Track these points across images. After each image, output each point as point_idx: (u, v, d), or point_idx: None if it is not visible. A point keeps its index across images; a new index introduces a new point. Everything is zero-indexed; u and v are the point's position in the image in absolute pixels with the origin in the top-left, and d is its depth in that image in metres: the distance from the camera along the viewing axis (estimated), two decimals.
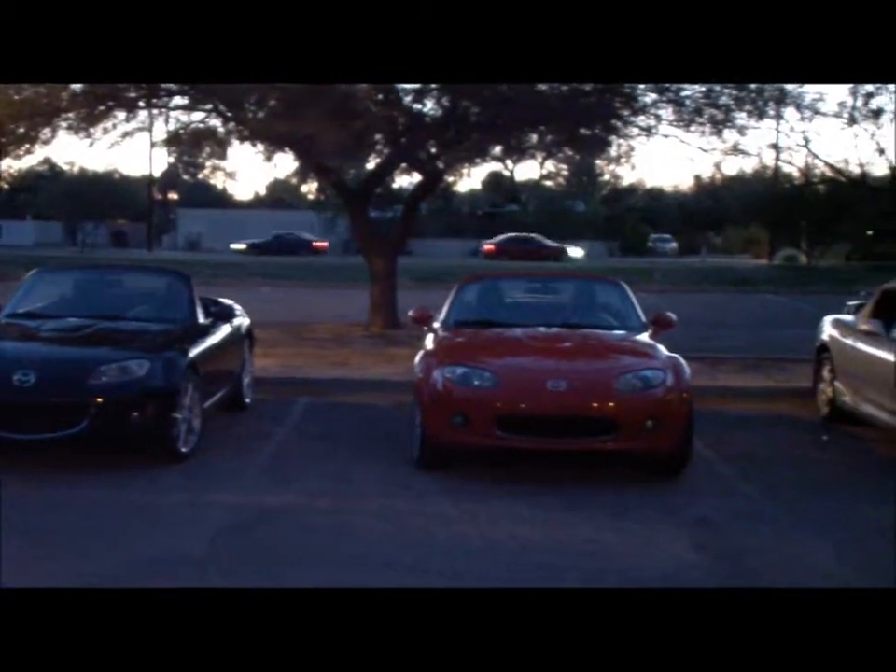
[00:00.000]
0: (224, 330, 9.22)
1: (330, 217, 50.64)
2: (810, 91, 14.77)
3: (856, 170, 20.25)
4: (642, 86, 13.77)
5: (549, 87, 13.56)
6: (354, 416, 9.75)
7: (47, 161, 66.90)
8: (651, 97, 14.17)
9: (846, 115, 17.36)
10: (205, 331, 8.74)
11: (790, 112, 15.69)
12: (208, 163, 70.64)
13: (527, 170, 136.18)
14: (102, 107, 14.21)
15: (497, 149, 16.88)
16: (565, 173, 66.13)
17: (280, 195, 72.28)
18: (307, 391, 10.67)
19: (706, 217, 58.34)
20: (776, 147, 20.09)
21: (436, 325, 8.72)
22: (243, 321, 10.12)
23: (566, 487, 7.23)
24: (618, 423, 7.18)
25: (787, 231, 47.25)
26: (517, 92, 13.13)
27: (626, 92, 14.07)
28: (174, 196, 65.46)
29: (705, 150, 15.21)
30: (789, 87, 14.39)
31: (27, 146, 16.40)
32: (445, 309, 8.94)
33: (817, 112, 15.69)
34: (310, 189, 57.18)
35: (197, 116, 15.43)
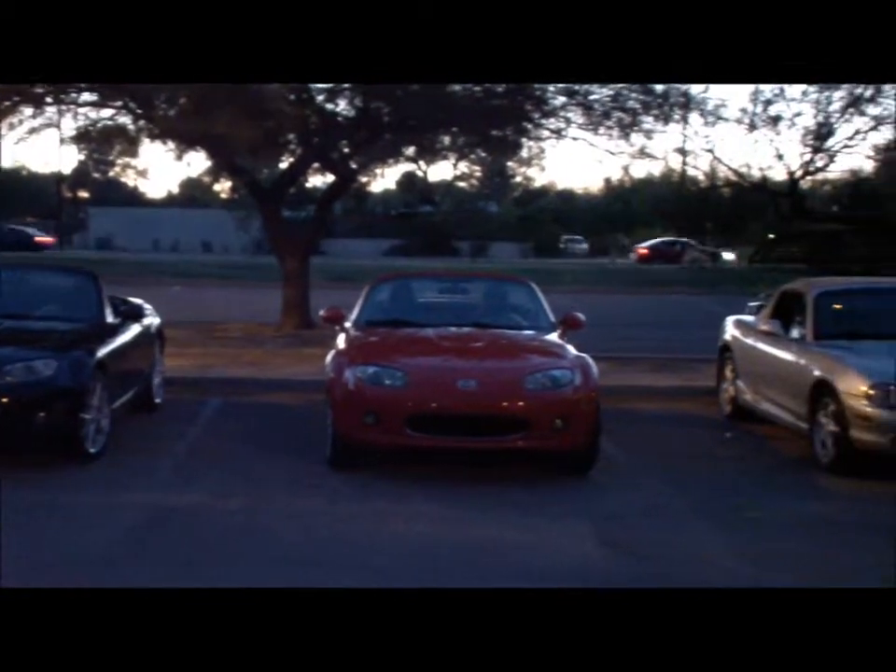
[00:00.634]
0: (133, 330, 9.13)
1: (243, 216, 50.07)
2: (713, 96, 15.16)
3: (757, 174, 20.80)
4: (552, 88, 13.96)
5: (461, 88, 13.68)
6: (266, 416, 9.73)
7: None
8: (560, 100, 14.36)
9: (747, 121, 17.81)
10: (114, 331, 8.64)
11: (694, 117, 16.08)
12: (119, 161, 69.07)
13: (441, 171, 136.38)
14: (7, 103, 13.94)
15: (411, 150, 17.01)
16: (478, 174, 66.17)
17: (193, 194, 71.30)
18: (219, 391, 10.61)
19: (616, 218, 59.17)
20: (682, 150, 20.55)
21: (348, 324, 8.75)
22: (153, 320, 10.03)
23: (476, 486, 7.33)
24: (527, 421, 7.30)
25: (694, 234, 48.23)
26: (429, 94, 13.21)
27: (537, 95, 14.24)
28: (84, 194, 64.07)
29: (613, 153, 15.53)
30: (693, 92, 14.75)
31: None
32: (357, 309, 8.98)
33: (719, 118, 16.09)
34: (223, 187, 56.36)
35: (106, 113, 15.18)
